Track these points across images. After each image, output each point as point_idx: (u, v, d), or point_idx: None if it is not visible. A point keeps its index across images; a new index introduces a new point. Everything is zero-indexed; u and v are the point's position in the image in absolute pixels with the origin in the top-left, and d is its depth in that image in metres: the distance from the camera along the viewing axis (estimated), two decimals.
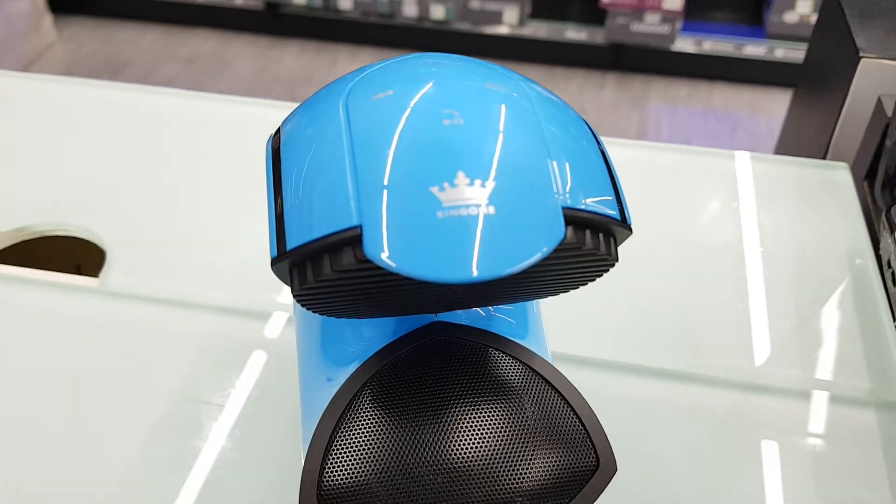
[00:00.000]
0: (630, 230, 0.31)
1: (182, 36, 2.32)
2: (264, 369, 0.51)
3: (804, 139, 0.85)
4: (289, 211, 0.29)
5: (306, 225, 0.28)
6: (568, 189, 0.29)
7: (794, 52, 2.10)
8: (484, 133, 0.29)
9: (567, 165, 0.29)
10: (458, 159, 0.27)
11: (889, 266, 0.60)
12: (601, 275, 0.33)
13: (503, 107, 0.30)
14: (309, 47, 2.28)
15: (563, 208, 0.28)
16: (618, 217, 0.30)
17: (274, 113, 0.73)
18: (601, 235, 0.30)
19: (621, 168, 0.66)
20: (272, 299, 0.56)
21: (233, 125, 0.73)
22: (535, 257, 0.27)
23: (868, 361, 0.53)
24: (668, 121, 2.05)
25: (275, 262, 0.29)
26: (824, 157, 0.76)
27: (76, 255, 0.65)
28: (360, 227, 0.27)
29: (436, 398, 0.33)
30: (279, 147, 0.33)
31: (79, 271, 0.67)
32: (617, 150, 0.70)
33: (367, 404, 0.34)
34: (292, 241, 0.28)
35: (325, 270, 0.28)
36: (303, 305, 0.31)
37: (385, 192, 0.27)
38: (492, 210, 0.27)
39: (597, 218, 0.29)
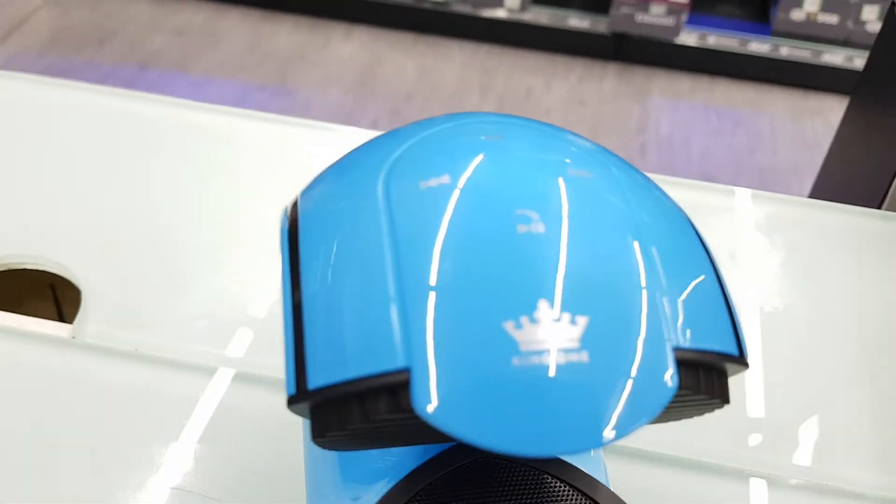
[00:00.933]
0: (747, 365, 0.25)
1: (173, 6, 2.23)
2: (264, 451, 0.45)
3: (856, 176, 0.76)
4: (311, 331, 0.23)
5: (335, 358, 0.22)
6: (679, 322, 0.22)
7: (799, 51, 2.05)
8: (571, 244, 0.22)
9: (676, 287, 0.23)
10: (539, 284, 0.21)
11: None
12: (702, 414, 0.27)
13: (592, 204, 0.24)
14: (303, 24, 2.20)
15: (675, 349, 0.22)
16: (736, 353, 0.24)
17: (283, 131, 0.67)
18: (715, 377, 0.24)
19: None
20: (274, 361, 0.50)
21: (233, 141, 0.66)
22: (640, 423, 0.21)
23: None
24: (669, 116, 2.00)
25: (292, 402, 0.23)
26: (880, 206, 0.68)
27: (50, 277, 0.58)
28: (407, 370, 0.21)
29: None
30: (297, 226, 0.26)
31: (54, 293, 0.61)
32: None
33: None
34: (316, 379, 0.22)
35: (354, 420, 0.22)
36: (321, 447, 0.25)
37: (443, 325, 0.21)
38: (584, 357, 0.21)
39: (712, 359, 0.23)
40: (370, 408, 0.21)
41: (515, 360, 0.21)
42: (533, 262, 0.22)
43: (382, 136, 0.29)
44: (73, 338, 0.50)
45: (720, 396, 0.24)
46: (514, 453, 0.20)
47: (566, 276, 0.22)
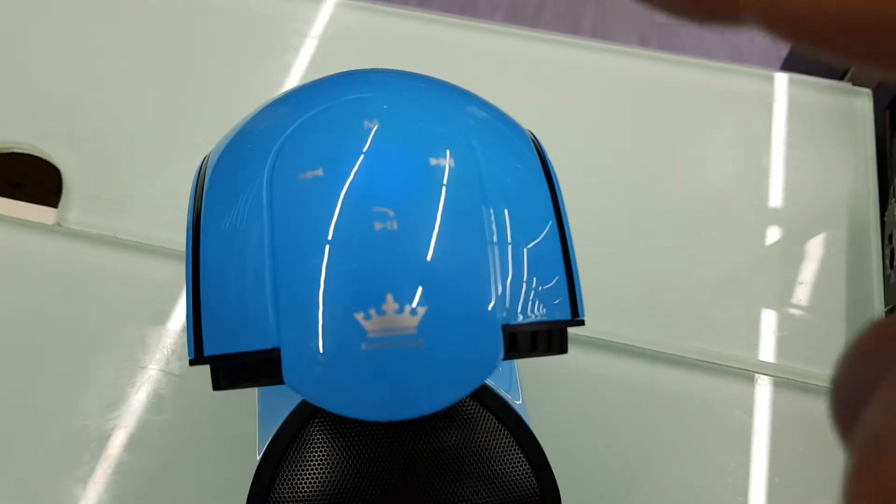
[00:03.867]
0: (582, 322, 0.30)
1: None
2: None
3: None
4: (206, 300, 0.28)
5: (224, 331, 0.28)
6: (510, 302, 0.27)
7: None
8: (419, 241, 0.27)
9: (513, 273, 0.28)
10: (386, 279, 0.26)
11: (891, 241, 0.52)
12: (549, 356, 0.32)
13: (447, 197, 0.28)
14: None
15: (504, 325, 0.27)
16: (568, 317, 0.29)
17: (289, 7, 0.67)
18: (548, 337, 0.29)
19: (603, 79, 0.58)
20: None
21: (212, 17, 0.66)
22: (468, 389, 0.26)
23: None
24: None
25: (192, 364, 0.28)
26: (843, 77, 0.63)
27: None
28: (279, 349, 0.26)
29: (388, 426, 0.35)
30: (203, 191, 0.31)
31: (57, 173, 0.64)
32: (604, 58, 0.64)
33: (319, 429, 0.35)
34: (211, 347, 0.28)
35: (243, 381, 0.28)
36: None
37: (307, 313, 0.26)
38: (421, 342, 0.26)
39: (545, 326, 0.28)
40: (254, 374, 0.27)
41: (364, 346, 0.26)
42: (385, 258, 0.26)
43: (285, 97, 0.33)
44: (59, 224, 0.54)
45: (557, 350, 0.29)
46: (368, 419, 0.26)
47: (411, 271, 0.26)
